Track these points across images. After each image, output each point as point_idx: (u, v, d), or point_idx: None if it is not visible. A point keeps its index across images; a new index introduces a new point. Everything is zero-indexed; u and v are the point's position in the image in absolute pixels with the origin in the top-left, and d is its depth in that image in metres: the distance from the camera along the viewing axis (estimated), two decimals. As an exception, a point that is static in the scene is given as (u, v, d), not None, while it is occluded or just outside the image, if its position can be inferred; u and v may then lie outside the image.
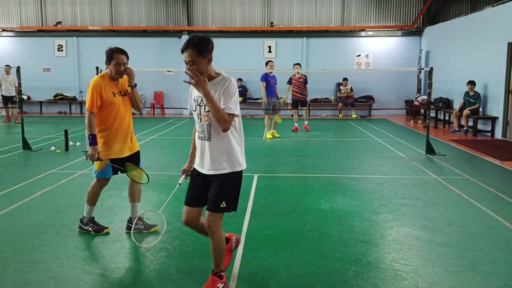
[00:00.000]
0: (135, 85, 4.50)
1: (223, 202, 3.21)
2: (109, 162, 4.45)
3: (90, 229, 4.63)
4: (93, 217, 4.71)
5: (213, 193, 3.21)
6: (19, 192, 6.19)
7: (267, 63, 11.70)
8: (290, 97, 13.11)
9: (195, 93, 3.24)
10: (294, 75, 12.78)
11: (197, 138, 3.29)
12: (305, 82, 12.76)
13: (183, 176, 3.48)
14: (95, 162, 4.41)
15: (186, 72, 3.06)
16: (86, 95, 4.37)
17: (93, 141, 4.26)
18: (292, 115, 13.68)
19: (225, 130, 3.08)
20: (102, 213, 5.30)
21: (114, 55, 4.31)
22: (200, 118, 3.20)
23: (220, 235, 3.30)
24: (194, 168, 3.37)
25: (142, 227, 4.68)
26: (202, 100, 3.19)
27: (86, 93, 4.41)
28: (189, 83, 3.06)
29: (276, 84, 11.69)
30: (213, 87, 3.14)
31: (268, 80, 11.38)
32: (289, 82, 12.82)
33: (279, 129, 12.21)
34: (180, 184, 3.49)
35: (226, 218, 5.07)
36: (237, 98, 3.13)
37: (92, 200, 4.63)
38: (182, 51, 3.10)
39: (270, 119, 11.71)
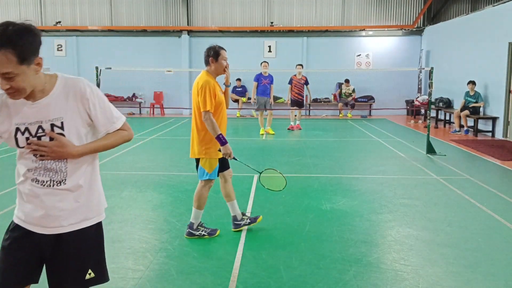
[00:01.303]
0: (230, 83, 4.57)
1: (89, 270, 2.13)
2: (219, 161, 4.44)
3: (203, 233, 4.53)
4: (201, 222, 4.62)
5: (73, 260, 2.10)
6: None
7: (261, 64, 12.22)
8: (289, 97, 13.24)
9: (20, 118, 1.98)
10: (295, 75, 12.96)
11: (26, 182, 2.08)
12: (306, 83, 13.02)
13: None
14: (206, 164, 4.33)
15: (30, 147, 1.98)
16: (199, 96, 4.21)
17: (224, 140, 4.22)
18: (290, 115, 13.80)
19: (130, 139, 2.22)
20: (102, 213, 5.29)
21: (220, 51, 4.36)
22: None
23: None
24: (16, 226, 2.10)
25: (248, 221, 4.69)
26: (39, 127, 1.98)
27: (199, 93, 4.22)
28: (44, 159, 1.99)
29: (271, 84, 12.14)
30: (56, 102, 1.99)
31: (260, 79, 11.77)
32: (290, 82, 12.97)
33: (277, 128, 12.22)
34: None
35: (225, 218, 5.09)
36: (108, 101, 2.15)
37: (202, 204, 4.47)
38: None
39: (264, 117, 12.26)
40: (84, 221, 2.12)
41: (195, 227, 4.53)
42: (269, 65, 12.31)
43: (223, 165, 4.48)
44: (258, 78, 11.93)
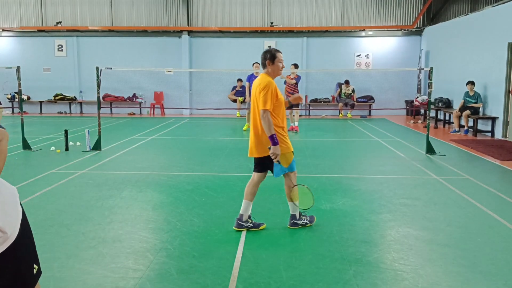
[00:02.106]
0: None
1: (34, 265, 2.22)
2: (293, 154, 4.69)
3: (306, 222, 4.78)
4: (296, 214, 4.78)
5: (19, 265, 2.15)
6: (19, 192, 6.15)
7: (253, 64, 12.41)
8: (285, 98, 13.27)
9: None
10: (289, 75, 12.83)
11: None
12: (297, 80, 12.84)
13: None
14: (282, 159, 4.51)
15: None
16: (260, 95, 4.38)
17: (277, 140, 4.37)
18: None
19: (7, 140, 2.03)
20: (102, 213, 5.30)
21: (276, 54, 4.54)
22: None
23: None
24: None
25: (251, 225, 4.72)
26: None
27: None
28: None
29: None
30: None
31: (251, 80, 12.03)
32: (285, 82, 12.91)
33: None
34: None
35: (224, 218, 5.10)
36: None
37: (294, 196, 4.66)
38: None
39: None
40: (10, 238, 2.10)
41: (298, 216, 4.76)
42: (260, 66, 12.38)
43: (266, 166, 4.61)
44: (250, 78, 12.23)
